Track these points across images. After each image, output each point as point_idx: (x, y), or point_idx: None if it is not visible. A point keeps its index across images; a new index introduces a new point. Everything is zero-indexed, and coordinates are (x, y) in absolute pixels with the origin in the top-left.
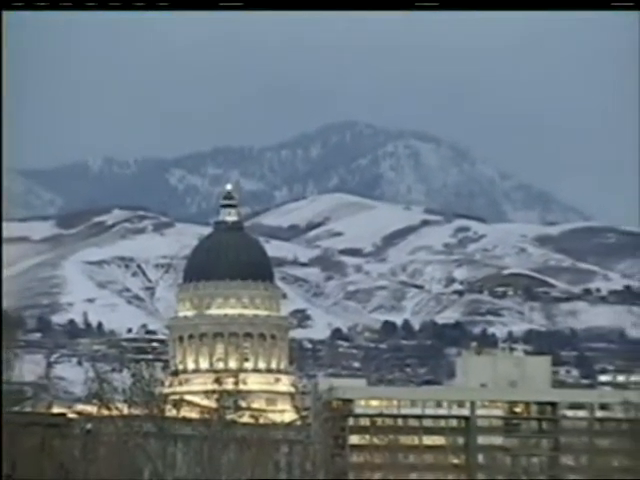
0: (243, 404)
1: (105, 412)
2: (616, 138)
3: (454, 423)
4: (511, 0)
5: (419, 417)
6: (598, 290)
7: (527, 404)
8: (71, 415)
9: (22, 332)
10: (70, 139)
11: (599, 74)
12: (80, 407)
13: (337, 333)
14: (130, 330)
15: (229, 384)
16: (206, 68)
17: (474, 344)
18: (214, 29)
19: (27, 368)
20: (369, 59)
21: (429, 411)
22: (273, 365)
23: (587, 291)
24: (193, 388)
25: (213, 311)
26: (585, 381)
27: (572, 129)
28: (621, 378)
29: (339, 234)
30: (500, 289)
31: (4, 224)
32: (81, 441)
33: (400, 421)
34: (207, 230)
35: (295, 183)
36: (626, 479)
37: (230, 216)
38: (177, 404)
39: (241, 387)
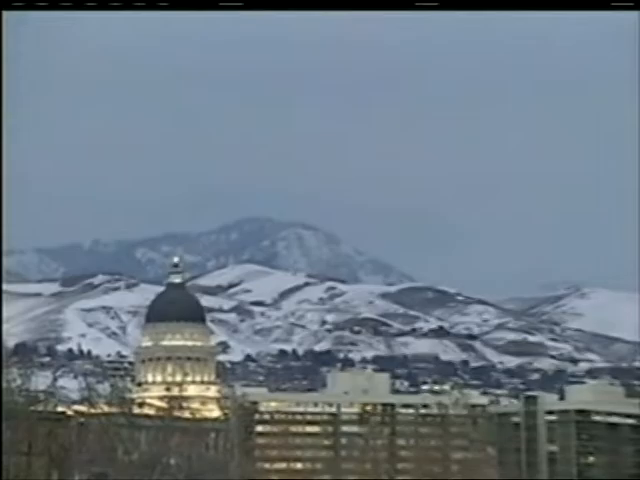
0: (185, 405)
1: (92, 411)
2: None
3: (326, 417)
4: (511, 0)
5: (303, 413)
6: (421, 329)
7: (374, 405)
8: (69, 412)
9: (36, 356)
10: (69, 223)
11: None
12: (75, 407)
13: (248, 357)
14: (109, 355)
15: (175, 391)
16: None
17: (339, 365)
18: (149, 137)
19: (40, 381)
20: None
21: (310, 409)
22: (205, 378)
23: (414, 329)
24: (152, 394)
25: (165, 342)
26: (412, 389)
27: (406, 211)
28: (436, 387)
29: (249, 291)
30: (356, 328)
31: (26, 285)
32: (76, 430)
33: (290, 416)
34: (161, 288)
35: (220, 257)
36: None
37: (176, 279)
38: (141, 405)
39: (183, 394)
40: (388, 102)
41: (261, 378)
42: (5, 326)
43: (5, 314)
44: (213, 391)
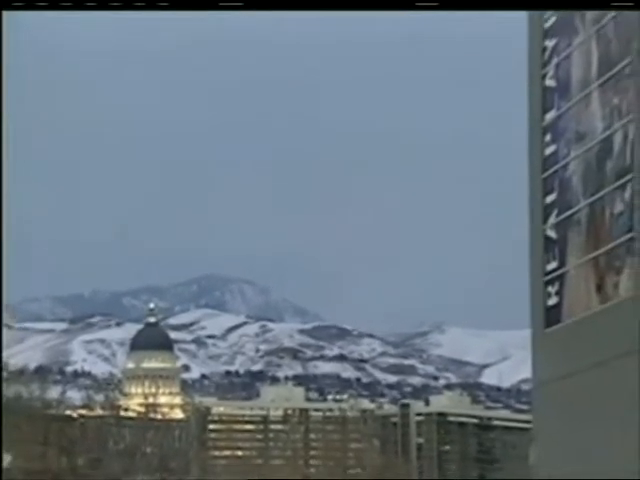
0: (157, 410)
1: (91, 413)
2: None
3: (258, 418)
4: (511, 0)
5: (242, 415)
6: (327, 355)
7: (294, 409)
8: (74, 415)
9: (50, 375)
10: (72, 273)
11: None
12: (79, 411)
13: (203, 376)
14: (103, 373)
15: (151, 400)
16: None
17: (268, 381)
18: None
19: (53, 392)
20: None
21: (247, 412)
22: (172, 391)
23: (322, 355)
24: (134, 402)
25: (144, 365)
26: (321, 398)
27: (317, 265)
28: (338, 397)
29: (204, 327)
30: (281, 354)
31: (43, 323)
32: (79, 427)
33: (233, 417)
34: (141, 326)
35: (184, 303)
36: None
37: (152, 319)
38: (126, 409)
39: (156, 401)
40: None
41: (212, 390)
42: (29, 353)
43: (28, 344)
44: (178, 400)
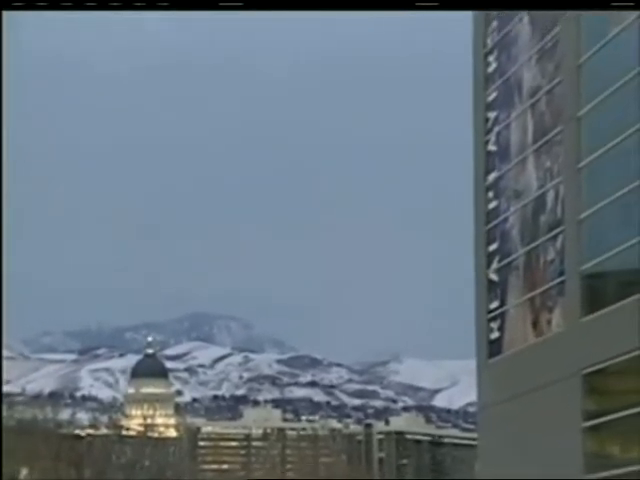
0: (155, 429)
1: (97, 432)
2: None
3: (242, 436)
4: (512, 0)
5: (227, 434)
6: (301, 381)
7: (272, 428)
8: (82, 434)
9: (62, 399)
10: (81, 311)
11: None
12: (86, 430)
13: (194, 399)
14: (108, 398)
15: (149, 421)
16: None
17: (251, 404)
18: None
19: (64, 414)
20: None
21: (232, 431)
22: (168, 412)
23: (296, 382)
24: (134, 422)
25: (143, 390)
26: (296, 419)
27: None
28: (310, 417)
29: (196, 358)
30: (261, 381)
31: (55, 355)
32: (86, 445)
33: (220, 435)
34: (140, 357)
35: (178, 337)
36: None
37: (150, 351)
38: (127, 429)
39: (154, 422)
40: None
41: (202, 412)
42: (43, 380)
43: (42, 373)
44: (172, 420)
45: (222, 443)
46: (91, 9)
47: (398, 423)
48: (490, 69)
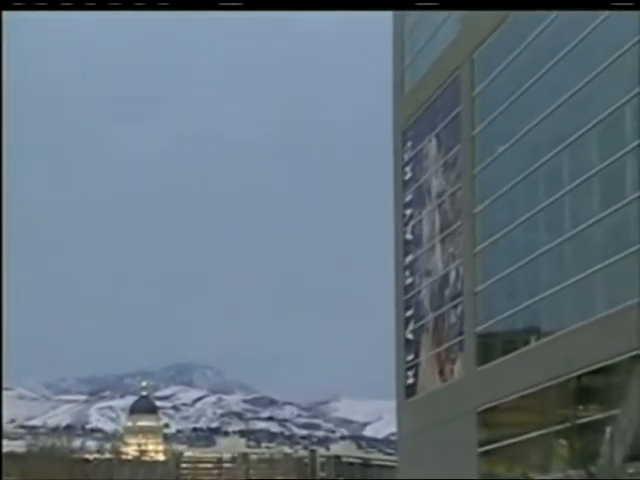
0: (147, 454)
1: (102, 457)
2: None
3: (215, 459)
4: (512, 0)
5: (204, 457)
6: (262, 417)
7: (239, 453)
8: (90, 458)
9: (74, 431)
10: (90, 361)
11: None
12: (94, 455)
13: (178, 431)
14: (111, 430)
15: (142, 447)
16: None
17: (222, 434)
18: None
19: (76, 443)
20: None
21: (208, 455)
22: (157, 441)
23: (258, 417)
24: (131, 448)
25: (138, 423)
26: (257, 446)
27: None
28: (269, 444)
29: (179, 398)
30: (230, 416)
31: (69, 395)
32: (93, 467)
33: (198, 459)
34: (136, 397)
35: (166, 382)
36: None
37: (144, 393)
38: (126, 454)
39: (146, 448)
40: None
41: (184, 440)
42: (60, 416)
43: (59, 410)
44: (161, 447)
45: (200, 465)
46: (91, 9)
47: (336, 449)
48: (407, 177)
